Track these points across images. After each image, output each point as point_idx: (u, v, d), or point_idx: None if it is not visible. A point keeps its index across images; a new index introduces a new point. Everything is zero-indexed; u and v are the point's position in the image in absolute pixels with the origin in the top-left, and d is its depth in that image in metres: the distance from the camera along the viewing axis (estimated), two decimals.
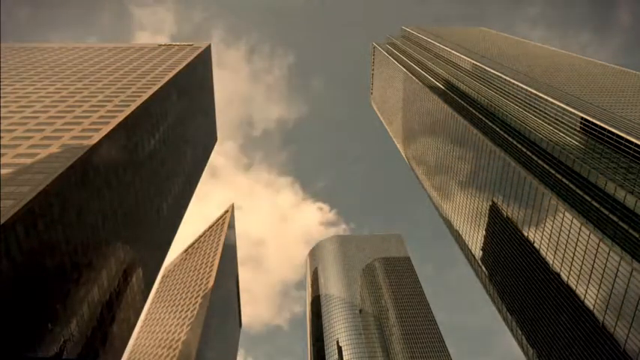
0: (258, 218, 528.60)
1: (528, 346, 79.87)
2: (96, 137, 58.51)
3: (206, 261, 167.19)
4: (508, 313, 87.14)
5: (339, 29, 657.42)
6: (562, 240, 66.46)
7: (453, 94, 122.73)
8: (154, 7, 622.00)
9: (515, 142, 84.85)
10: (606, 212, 59.17)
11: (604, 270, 57.60)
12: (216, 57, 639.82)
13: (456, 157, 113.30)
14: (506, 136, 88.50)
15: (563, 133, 78.92)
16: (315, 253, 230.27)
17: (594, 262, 59.46)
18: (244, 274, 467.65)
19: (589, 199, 62.50)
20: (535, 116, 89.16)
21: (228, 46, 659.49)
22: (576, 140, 74.97)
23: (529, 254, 77.15)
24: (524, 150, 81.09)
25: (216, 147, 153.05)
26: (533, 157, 77.60)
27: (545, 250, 71.34)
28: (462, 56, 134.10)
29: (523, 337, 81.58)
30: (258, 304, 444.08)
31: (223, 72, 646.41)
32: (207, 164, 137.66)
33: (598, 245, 58.45)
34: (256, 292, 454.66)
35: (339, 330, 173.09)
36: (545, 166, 73.82)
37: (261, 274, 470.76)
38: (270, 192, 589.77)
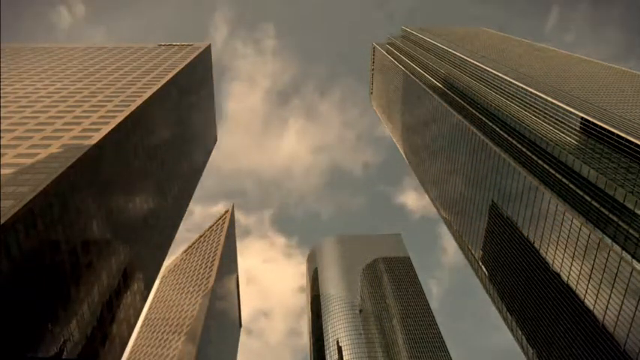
0: (280, 280, 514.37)
1: (528, 346, 79.87)
2: (96, 137, 58.50)
3: (206, 261, 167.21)
4: (508, 313, 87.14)
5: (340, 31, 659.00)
6: (562, 240, 66.47)
7: (453, 94, 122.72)
8: (253, 59, 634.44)
9: (515, 142, 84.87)
10: (606, 212, 59.18)
11: (604, 270, 57.62)
12: (305, 108, 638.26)
13: (455, 157, 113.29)
14: (506, 136, 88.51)
15: (563, 133, 78.93)
16: (315, 253, 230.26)
17: (594, 261, 59.47)
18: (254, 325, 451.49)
19: (589, 199, 62.51)
20: (535, 116, 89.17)
21: (323, 95, 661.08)
22: (576, 140, 74.98)
23: (529, 254, 77.16)
24: (524, 150, 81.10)
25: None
26: (533, 157, 77.61)
27: (545, 250, 71.34)
28: (462, 56, 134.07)
29: (523, 337, 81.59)
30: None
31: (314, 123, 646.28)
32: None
33: (598, 245, 58.47)
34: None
35: (339, 330, 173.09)
36: (545, 166, 73.83)
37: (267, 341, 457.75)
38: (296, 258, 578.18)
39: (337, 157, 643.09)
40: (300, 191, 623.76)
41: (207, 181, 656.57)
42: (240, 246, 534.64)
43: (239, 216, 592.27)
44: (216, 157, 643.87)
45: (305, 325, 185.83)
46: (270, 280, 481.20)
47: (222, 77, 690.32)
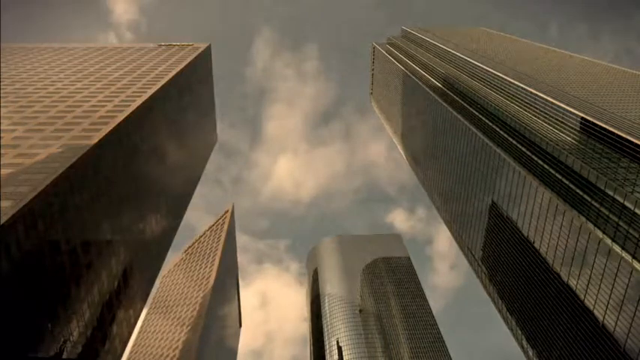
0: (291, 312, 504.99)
1: (528, 346, 79.88)
2: (96, 137, 58.51)
3: (206, 261, 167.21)
4: (508, 313, 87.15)
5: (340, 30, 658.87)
6: (562, 240, 66.47)
7: (453, 94, 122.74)
8: (293, 81, 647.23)
9: (515, 142, 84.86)
10: (606, 212, 59.18)
11: (604, 270, 57.61)
12: (345, 130, 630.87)
13: (455, 157, 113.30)
14: (506, 136, 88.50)
15: (564, 133, 78.93)
16: (315, 253, 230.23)
17: (594, 262, 59.47)
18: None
19: (589, 199, 62.51)
20: (535, 116, 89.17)
21: (363, 115, 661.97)
22: (576, 140, 74.98)
23: (529, 254, 77.16)
24: (524, 150, 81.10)
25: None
26: (533, 157, 77.61)
27: (545, 250, 71.35)
28: (462, 56, 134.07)
29: (523, 337, 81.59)
30: None
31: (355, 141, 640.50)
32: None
33: (598, 245, 58.47)
34: None
35: (339, 330, 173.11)
36: (545, 166, 73.82)
37: None
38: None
39: (375, 178, 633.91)
40: (334, 214, 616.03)
41: (243, 202, 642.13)
42: (258, 270, 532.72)
43: (254, 241, 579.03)
44: (253, 178, 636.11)
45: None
46: (285, 304, 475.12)
47: (262, 98, 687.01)
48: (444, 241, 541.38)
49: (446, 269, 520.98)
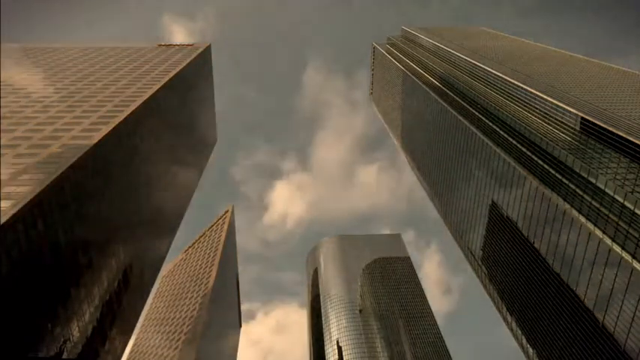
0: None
1: (528, 346, 79.89)
2: (96, 137, 58.50)
3: (206, 261, 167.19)
4: (508, 313, 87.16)
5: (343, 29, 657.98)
6: (562, 240, 66.48)
7: (452, 94, 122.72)
8: (342, 108, 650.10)
9: (515, 142, 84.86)
10: (606, 212, 59.18)
11: (604, 270, 57.62)
12: (389, 158, 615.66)
13: (455, 156, 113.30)
14: (506, 136, 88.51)
15: (564, 133, 78.93)
16: (315, 253, 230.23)
17: (594, 261, 59.48)
18: None
19: (589, 199, 62.51)
20: (535, 116, 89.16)
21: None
22: (576, 140, 74.98)
23: (529, 254, 77.17)
24: (524, 150, 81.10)
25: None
26: (533, 157, 77.61)
27: (545, 250, 71.36)
28: (462, 56, 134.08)
29: (523, 337, 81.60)
30: None
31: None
32: None
33: (598, 245, 58.47)
34: None
35: (339, 330, 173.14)
36: (545, 166, 73.83)
37: None
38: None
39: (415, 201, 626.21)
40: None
41: (282, 226, 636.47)
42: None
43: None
44: (300, 205, 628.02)
45: None
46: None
47: (312, 125, 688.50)
48: (433, 264, 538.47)
49: (438, 293, 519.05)
